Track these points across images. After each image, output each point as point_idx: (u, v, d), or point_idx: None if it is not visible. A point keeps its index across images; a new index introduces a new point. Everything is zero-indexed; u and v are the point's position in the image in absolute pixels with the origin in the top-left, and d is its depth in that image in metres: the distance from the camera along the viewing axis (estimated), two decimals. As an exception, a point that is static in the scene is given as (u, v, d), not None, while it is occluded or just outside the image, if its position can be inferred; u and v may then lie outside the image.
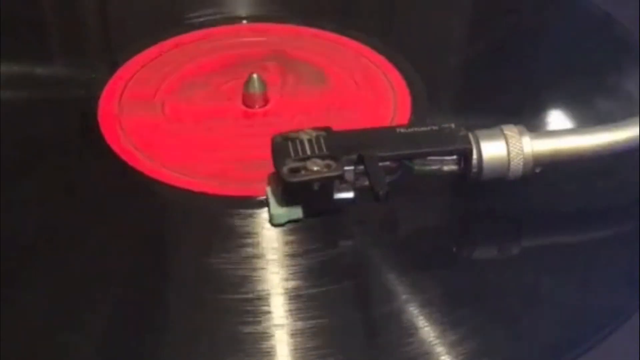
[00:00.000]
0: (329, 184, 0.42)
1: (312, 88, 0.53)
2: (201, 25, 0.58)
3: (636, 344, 0.39)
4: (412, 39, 0.58)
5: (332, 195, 0.43)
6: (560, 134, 0.44)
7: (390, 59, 0.55)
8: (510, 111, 0.48)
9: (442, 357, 0.38)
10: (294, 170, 0.42)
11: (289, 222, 0.43)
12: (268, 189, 0.44)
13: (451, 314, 0.40)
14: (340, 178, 0.42)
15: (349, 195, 0.43)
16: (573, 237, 0.44)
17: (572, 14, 0.61)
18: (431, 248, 0.44)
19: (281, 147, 0.43)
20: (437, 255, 0.43)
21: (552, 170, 0.44)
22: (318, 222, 0.43)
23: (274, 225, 0.43)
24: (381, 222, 0.45)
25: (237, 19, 0.59)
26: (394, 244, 0.44)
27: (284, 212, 0.43)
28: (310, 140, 0.43)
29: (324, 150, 0.43)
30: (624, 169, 0.46)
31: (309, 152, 0.43)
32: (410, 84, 0.53)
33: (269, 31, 0.58)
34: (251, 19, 0.59)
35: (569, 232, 0.44)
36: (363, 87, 0.53)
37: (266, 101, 0.51)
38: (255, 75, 0.51)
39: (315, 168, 0.42)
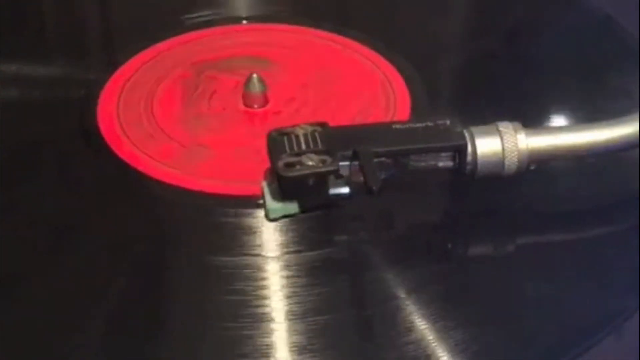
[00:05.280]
0: (324, 179, 0.43)
1: (313, 88, 0.53)
2: (201, 25, 0.58)
3: (636, 344, 0.39)
4: (412, 39, 0.58)
5: (327, 190, 0.43)
6: (557, 131, 0.44)
7: (390, 59, 0.55)
8: (510, 111, 0.47)
9: (442, 357, 0.38)
10: (289, 165, 0.42)
11: (285, 217, 0.43)
12: (264, 184, 0.44)
13: (450, 313, 0.39)
14: (335, 173, 0.42)
15: (345, 190, 0.43)
16: (572, 236, 0.44)
17: (573, 15, 0.61)
18: (430, 246, 0.44)
19: (277, 142, 0.43)
20: (435, 253, 0.43)
21: (552, 168, 0.45)
22: (317, 220, 0.43)
23: (269, 220, 0.43)
24: (379, 219, 0.45)
25: (237, 19, 0.59)
26: (392, 242, 0.44)
27: (279, 207, 0.43)
28: (305, 135, 0.43)
29: (320, 145, 0.43)
30: (625, 166, 0.46)
31: (304, 147, 0.43)
32: (410, 84, 0.53)
33: (269, 31, 0.58)
34: (251, 19, 0.59)
35: (568, 231, 0.44)
36: (363, 87, 0.53)
37: (266, 101, 0.51)
38: (255, 75, 0.51)
39: (310, 163, 0.42)
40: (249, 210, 0.44)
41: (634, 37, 0.57)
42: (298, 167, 0.42)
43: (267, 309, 0.40)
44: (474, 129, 0.44)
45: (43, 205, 0.45)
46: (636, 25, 0.57)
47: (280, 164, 0.42)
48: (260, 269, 0.42)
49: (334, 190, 0.43)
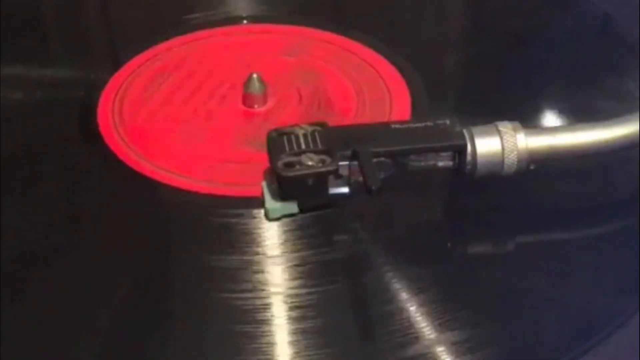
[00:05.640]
0: (323, 179, 0.43)
1: (312, 88, 0.53)
2: (201, 26, 0.58)
3: (636, 344, 0.39)
4: (411, 39, 0.58)
5: (327, 190, 0.43)
6: (556, 131, 0.44)
7: (390, 59, 0.55)
8: (511, 111, 0.48)
9: (442, 357, 0.38)
10: (289, 165, 0.42)
11: (284, 216, 0.43)
12: (264, 184, 0.44)
13: (451, 313, 0.39)
14: (335, 173, 0.42)
15: (344, 190, 0.43)
16: (572, 236, 0.44)
17: (572, 14, 0.61)
18: (429, 246, 0.44)
19: (276, 142, 0.43)
20: (436, 254, 0.43)
21: (552, 168, 0.45)
22: (317, 220, 0.43)
23: (269, 220, 0.43)
24: (378, 219, 0.45)
25: (237, 19, 0.59)
26: (392, 242, 0.44)
27: (278, 207, 0.43)
28: (305, 135, 0.43)
29: (319, 145, 0.43)
30: (624, 166, 0.46)
31: (303, 147, 0.43)
32: (410, 84, 0.53)
33: (269, 31, 0.58)
34: (251, 19, 0.59)
35: (568, 231, 0.44)
36: (362, 87, 0.53)
37: (266, 101, 0.51)
38: (255, 75, 0.51)
39: (309, 163, 0.42)
40: (249, 211, 0.44)
41: (634, 37, 0.57)
42: (297, 167, 0.42)
43: (266, 309, 0.40)
44: (473, 128, 0.44)
45: (42, 206, 0.46)
46: (636, 25, 0.57)
47: (280, 164, 0.42)
48: (260, 269, 0.42)
49: (333, 190, 0.43)
